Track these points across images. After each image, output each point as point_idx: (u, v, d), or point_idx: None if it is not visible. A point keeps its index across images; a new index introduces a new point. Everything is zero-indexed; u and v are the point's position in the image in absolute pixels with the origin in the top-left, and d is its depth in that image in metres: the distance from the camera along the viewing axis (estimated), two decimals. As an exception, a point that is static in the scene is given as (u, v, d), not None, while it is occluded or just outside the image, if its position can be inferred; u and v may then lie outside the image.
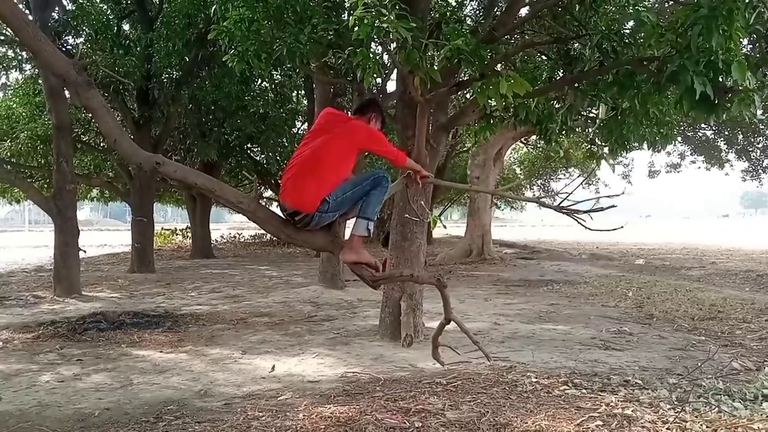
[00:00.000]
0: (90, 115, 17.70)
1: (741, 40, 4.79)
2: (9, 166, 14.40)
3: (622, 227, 4.67)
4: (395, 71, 8.33)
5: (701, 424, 3.95)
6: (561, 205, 4.10)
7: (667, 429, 3.89)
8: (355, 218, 3.60)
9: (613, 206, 4.86)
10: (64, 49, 13.65)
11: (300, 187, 3.49)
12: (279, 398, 4.78)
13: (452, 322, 3.72)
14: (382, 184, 3.61)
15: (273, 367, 5.80)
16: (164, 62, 13.70)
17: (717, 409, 4.28)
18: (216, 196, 3.69)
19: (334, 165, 3.56)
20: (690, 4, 4.79)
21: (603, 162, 7.95)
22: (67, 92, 11.06)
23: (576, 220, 4.04)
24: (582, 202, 4.06)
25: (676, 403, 4.45)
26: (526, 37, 8.17)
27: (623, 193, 5.23)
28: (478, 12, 10.77)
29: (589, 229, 4.21)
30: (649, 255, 21.25)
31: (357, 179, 3.65)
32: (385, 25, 4.79)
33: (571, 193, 4.13)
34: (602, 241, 30.47)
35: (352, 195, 3.58)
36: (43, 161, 16.92)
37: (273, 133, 18.73)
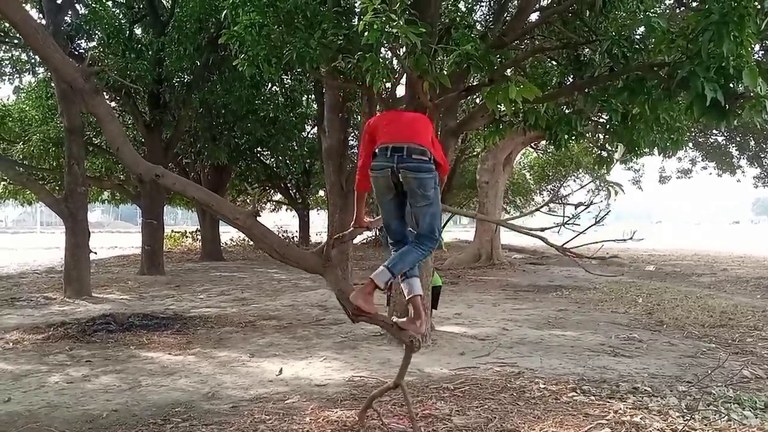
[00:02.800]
0: (102, 118, 17.86)
1: (752, 46, 4.76)
2: (21, 168, 14.52)
3: (630, 238, 4.67)
4: (404, 76, 8.33)
5: (710, 433, 3.92)
6: (564, 246, 4.11)
7: (676, 437, 3.86)
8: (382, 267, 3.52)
9: (616, 257, 4.87)
10: (76, 52, 13.79)
11: (417, 131, 3.54)
12: (286, 401, 4.79)
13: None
14: (429, 248, 3.56)
15: (280, 371, 5.81)
16: (175, 66, 13.79)
17: (727, 417, 4.24)
18: (213, 210, 3.71)
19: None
20: (701, 10, 4.77)
21: (613, 169, 7.92)
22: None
23: (580, 264, 4.05)
24: (586, 229, 4.03)
25: (685, 411, 4.42)
26: (536, 42, 8.16)
27: (631, 238, 5.24)
28: (487, 17, 10.77)
29: (591, 272, 4.23)
30: (659, 261, 21.12)
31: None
32: (394, 30, 4.80)
33: (576, 213, 4.14)
34: (612, 247, 30.28)
35: (437, 206, 3.53)
36: (54, 163, 17.05)
37: (283, 137, 18.81)
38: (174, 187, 3.71)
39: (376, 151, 3.56)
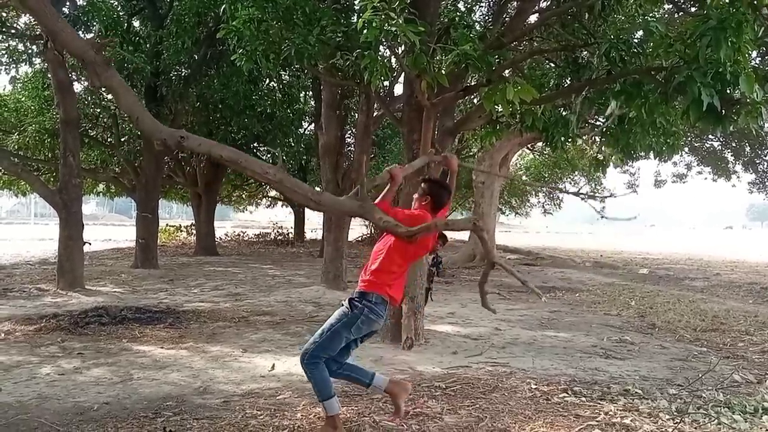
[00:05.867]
0: (98, 109, 17.75)
1: (749, 52, 4.78)
2: (16, 159, 14.46)
3: (635, 217, 4.75)
4: (403, 75, 8.34)
5: (700, 436, 3.94)
6: (579, 192, 4.17)
7: (666, 440, 3.88)
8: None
9: (634, 217, 4.93)
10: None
11: None
12: (278, 397, 4.79)
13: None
14: None
15: (273, 366, 5.81)
16: (173, 60, 13.75)
17: (716, 421, 4.27)
18: (242, 167, 3.72)
19: None
20: (699, 16, 4.79)
21: (609, 170, 7.95)
22: (75, 85, 11.11)
23: (594, 207, 4.11)
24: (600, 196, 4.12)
25: (675, 413, 4.44)
26: (535, 44, 8.18)
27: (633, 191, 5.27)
28: (486, 18, 10.78)
29: (605, 216, 4.25)
30: (653, 265, 21.20)
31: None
32: (393, 29, 4.80)
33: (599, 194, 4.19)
34: (606, 249, 30.42)
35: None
36: (50, 155, 17.00)
37: (280, 133, 18.79)
38: (199, 149, 3.76)
39: (381, 300, 3.81)
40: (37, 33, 13.34)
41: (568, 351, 6.83)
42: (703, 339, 7.67)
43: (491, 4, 10.86)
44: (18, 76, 17.81)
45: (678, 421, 4.24)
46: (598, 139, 7.97)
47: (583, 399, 4.81)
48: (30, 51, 15.51)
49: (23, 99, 17.21)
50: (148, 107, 15.11)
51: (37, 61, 15.94)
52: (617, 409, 4.51)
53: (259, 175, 3.66)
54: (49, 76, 13.28)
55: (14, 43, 15.65)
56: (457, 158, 4.54)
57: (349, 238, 16.33)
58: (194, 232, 24.11)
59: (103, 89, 16.75)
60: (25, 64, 16.40)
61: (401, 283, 4.01)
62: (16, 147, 16.06)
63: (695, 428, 4.11)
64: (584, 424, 4.14)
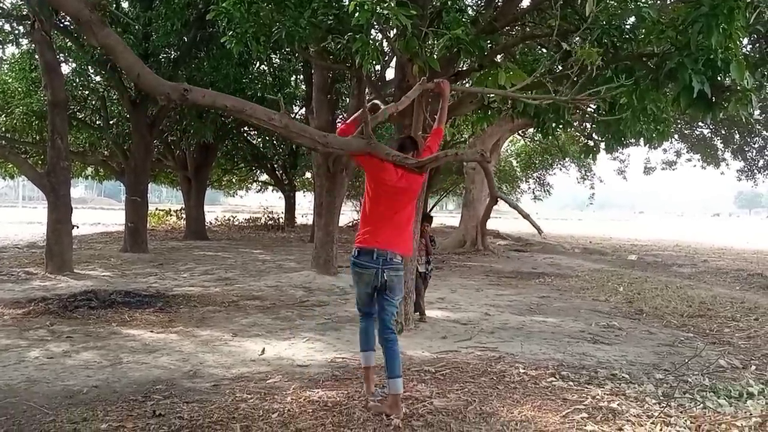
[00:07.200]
0: (86, 91, 17.53)
1: (741, 39, 4.79)
2: (3, 141, 14.31)
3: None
4: (394, 58, 8.29)
5: (685, 420, 3.98)
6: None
7: (652, 423, 3.92)
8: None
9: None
10: (61, 25, 13.54)
11: (405, 240, 4.14)
12: (267, 381, 4.80)
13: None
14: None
15: (263, 350, 5.82)
16: (162, 41, 13.60)
17: (702, 405, 4.32)
18: (247, 116, 3.84)
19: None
20: (691, 2, 4.79)
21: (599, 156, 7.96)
22: (63, 66, 10.91)
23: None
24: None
25: (661, 398, 4.49)
26: (527, 29, 8.14)
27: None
28: (479, 2, 10.71)
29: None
30: (641, 251, 21.35)
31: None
32: (385, 12, 4.77)
33: None
34: (595, 235, 30.60)
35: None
36: (38, 137, 16.84)
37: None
38: (204, 100, 3.82)
39: (360, 251, 4.00)
40: (24, 13, 13.16)
41: (556, 336, 6.88)
42: (690, 325, 7.75)
43: (484, -11, 10.78)
44: (5, 57, 17.59)
45: (664, 405, 4.28)
46: (588, 125, 7.97)
47: (571, 383, 4.85)
48: (17, 32, 15.29)
49: (10, 81, 16.98)
50: (136, 89, 15.01)
51: (25, 41, 15.73)
52: (604, 393, 4.55)
53: (264, 122, 3.78)
54: (37, 57, 13.12)
55: (1, 24, 15.41)
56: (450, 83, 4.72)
57: (340, 224, 16.34)
58: (184, 216, 23.99)
59: (92, 72, 16.58)
60: (12, 45, 16.20)
61: (392, 229, 4.02)
62: (3, 129, 15.89)
63: (681, 412, 4.15)
64: (571, 408, 4.18)
